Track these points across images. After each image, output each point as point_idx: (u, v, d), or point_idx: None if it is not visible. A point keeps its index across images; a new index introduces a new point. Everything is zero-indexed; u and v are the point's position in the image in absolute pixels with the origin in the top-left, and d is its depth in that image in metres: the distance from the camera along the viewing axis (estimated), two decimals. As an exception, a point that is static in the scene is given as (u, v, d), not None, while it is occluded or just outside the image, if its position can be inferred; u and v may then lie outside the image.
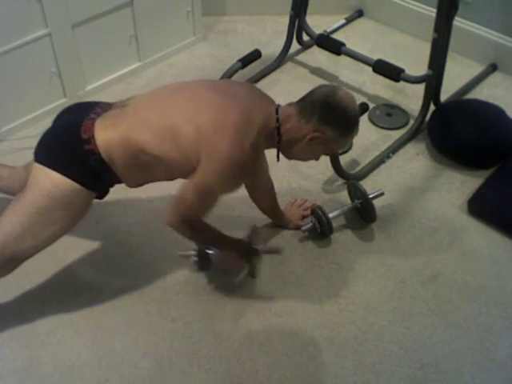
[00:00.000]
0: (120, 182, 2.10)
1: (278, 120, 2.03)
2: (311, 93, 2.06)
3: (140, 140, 1.96)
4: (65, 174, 1.96)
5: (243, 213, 2.53)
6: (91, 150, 1.97)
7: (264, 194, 2.43)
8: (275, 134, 2.05)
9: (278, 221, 2.54)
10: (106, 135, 1.97)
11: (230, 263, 2.32)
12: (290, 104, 2.09)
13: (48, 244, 2.08)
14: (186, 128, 1.94)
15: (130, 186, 2.14)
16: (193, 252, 2.30)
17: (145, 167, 2.03)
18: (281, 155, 2.14)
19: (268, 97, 2.15)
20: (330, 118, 2.01)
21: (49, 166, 1.97)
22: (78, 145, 1.97)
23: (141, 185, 2.15)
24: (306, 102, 2.04)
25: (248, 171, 2.03)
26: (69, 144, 2.00)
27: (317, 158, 2.20)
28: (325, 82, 3.31)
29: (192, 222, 2.04)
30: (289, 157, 2.16)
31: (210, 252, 2.29)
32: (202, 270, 2.36)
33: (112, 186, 2.16)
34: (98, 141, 1.97)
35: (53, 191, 1.96)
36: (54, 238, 2.07)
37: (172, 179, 2.12)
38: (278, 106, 2.09)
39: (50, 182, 1.96)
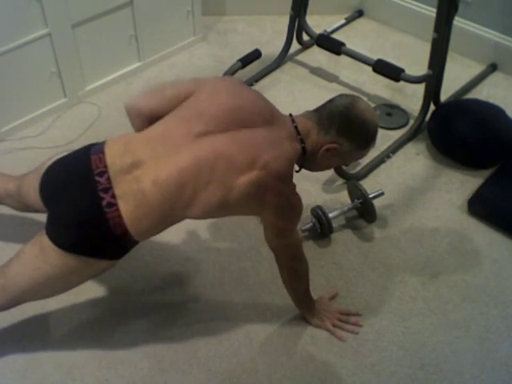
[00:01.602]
0: None
1: (302, 140, 1.97)
2: (330, 102, 2.02)
3: (183, 215, 1.90)
4: (94, 257, 1.88)
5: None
6: (128, 241, 1.88)
7: None
8: (301, 152, 1.98)
9: None
10: (143, 227, 1.86)
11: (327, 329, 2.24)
12: (306, 115, 2.03)
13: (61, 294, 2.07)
14: (231, 201, 1.85)
15: None
16: None
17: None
18: None
19: (278, 112, 2.03)
20: (348, 131, 1.97)
21: (76, 253, 1.85)
22: (111, 240, 1.85)
23: None
24: (325, 113, 1.99)
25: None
26: (101, 240, 1.85)
27: (329, 169, 2.19)
28: (325, 82, 3.32)
29: (300, 259, 2.08)
30: (301, 166, 2.10)
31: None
32: None
33: None
34: (134, 233, 1.85)
35: (78, 268, 1.89)
36: (69, 290, 2.04)
37: None
38: (292, 119, 1.99)
39: (75, 262, 1.86)
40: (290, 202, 1.93)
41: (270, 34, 3.68)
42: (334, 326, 2.20)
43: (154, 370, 2.09)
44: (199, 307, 2.27)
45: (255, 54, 3.22)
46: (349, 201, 2.62)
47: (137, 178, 1.83)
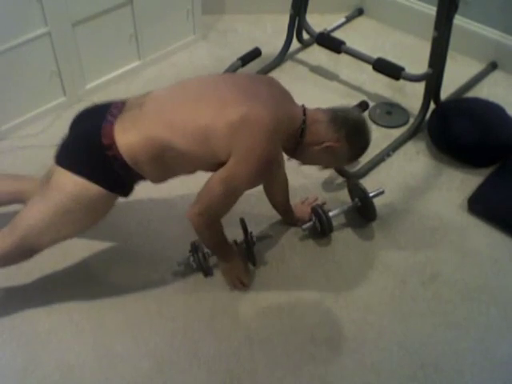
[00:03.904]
0: (144, 179, 2.11)
1: (304, 121, 2.08)
2: (344, 108, 2.20)
3: (166, 140, 1.97)
4: (90, 179, 1.97)
5: (244, 212, 2.52)
6: (113, 155, 1.97)
7: (278, 189, 2.43)
8: (297, 133, 2.08)
9: (288, 218, 2.54)
10: (127, 139, 1.97)
11: (227, 278, 2.35)
12: (319, 109, 2.15)
13: (68, 238, 2.13)
14: (216, 126, 1.94)
15: (154, 182, 2.15)
16: (191, 259, 2.33)
17: (169, 164, 2.04)
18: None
19: (289, 94, 2.17)
20: (354, 138, 2.12)
21: (73, 171, 1.98)
22: (99, 151, 1.97)
23: (164, 180, 2.16)
24: (340, 114, 2.13)
25: (272, 169, 2.12)
26: (91, 151, 2.00)
27: (319, 165, 2.27)
28: (325, 81, 3.33)
29: (211, 217, 2.11)
30: (297, 157, 2.19)
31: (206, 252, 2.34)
32: (206, 275, 2.37)
33: (136, 183, 2.15)
34: (119, 145, 1.96)
35: (78, 195, 1.98)
36: (74, 233, 2.13)
37: (194, 172, 2.15)
38: (303, 106, 2.13)
39: (74, 186, 1.98)
40: (257, 151, 1.96)
41: (270, 33, 3.68)
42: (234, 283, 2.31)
43: (154, 370, 2.09)
44: (199, 307, 2.27)
45: (255, 53, 3.22)
46: (349, 199, 2.62)
47: (140, 107, 2.02)
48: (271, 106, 2.00)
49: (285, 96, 2.15)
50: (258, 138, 1.95)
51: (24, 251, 2.08)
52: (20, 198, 2.29)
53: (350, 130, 2.10)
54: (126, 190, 2.13)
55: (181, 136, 1.97)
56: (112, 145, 1.96)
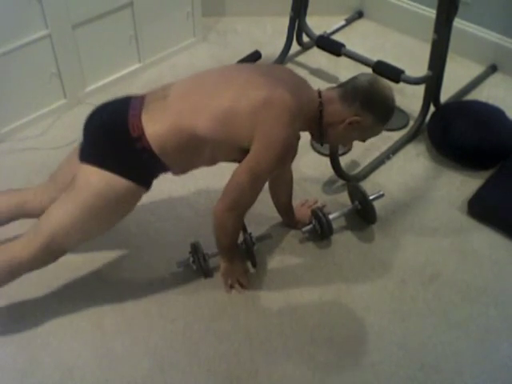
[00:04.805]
0: (166, 171, 2.11)
1: (321, 103, 2.08)
2: (353, 79, 2.14)
3: (191, 126, 1.98)
4: (118, 174, 1.97)
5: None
6: (143, 147, 1.98)
7: (284, 189, 2.44)
8: (317, 116, 2.09)
9: (289, 219, 2.55)
10: (155, 128, 1.98)
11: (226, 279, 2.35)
12: (331, 88, 2.17)
13: (95, 237, 2.14)
14: (239, 109, 1.97)
15: (176, 173, 2.16)
16: (191, 260, 2.33)
17: (193, 152, 2.05)
18: None
19: (306, 81, 2.18)
20: (371, 105, 2.08)
21: (100, 166, 1.98)
22: (129, 144, 1.98)
23: (186, 172, 2.17)
24: (349, 87, 2.11)
25: (293, 155, 2.12)
26: (120, 144, 2.00)
27: (348, 144, 2.31)
28: (325, 84, 3.32)
29: (240, 210, 2.11)
30: (322, 140, 2.20)
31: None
32: (206, 276, 2.37)
33: (157, 176, 2.14)
34: (148, 136, 1.97)
35: (106, 191, 1.98)
36: (101, 232, 2.13)
37: (215, 163, 2.15)
38: (319, 89, 2.14)
39: (103, 181, 1.98)
40: (281, 135, 1.98)
41: (270, 35, 3.69)
42: (231, 285, 2.32)
43: (153, 370, 2.09)
44: (199, 308, 2.27)
45: (255, 55, 3.23)
46: (349, 202, 2.62)
47: (164, 98, 2.04)
48: (292, 89, 2.01)
49: (303, 82, 2.17)
50: (282, 120, 1.96)
51: (51, 254, 2.08)
52: (22, 211, 2.27)
53: (363, 100, 2.07)
54: (148, 184, 2.11)
55: (204, 120, 1.98)
56: (141, 136, 1.97)
